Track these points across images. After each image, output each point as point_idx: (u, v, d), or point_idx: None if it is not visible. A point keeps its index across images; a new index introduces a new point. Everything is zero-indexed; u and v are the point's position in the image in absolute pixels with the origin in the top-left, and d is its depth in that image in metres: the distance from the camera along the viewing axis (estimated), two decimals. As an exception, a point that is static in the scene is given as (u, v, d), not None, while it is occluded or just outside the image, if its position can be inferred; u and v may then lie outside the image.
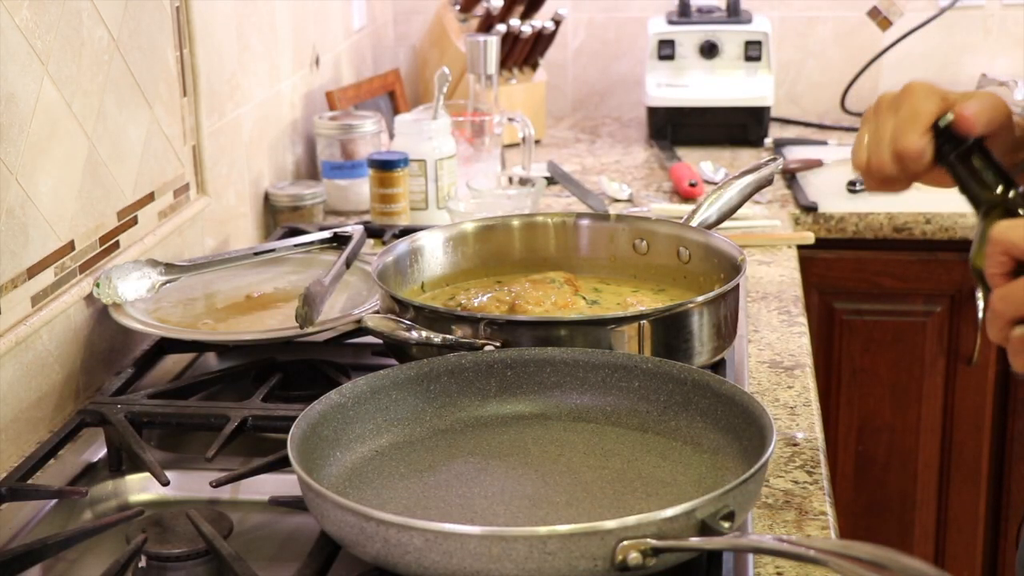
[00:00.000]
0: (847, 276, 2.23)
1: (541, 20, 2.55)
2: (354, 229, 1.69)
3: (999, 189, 0.99)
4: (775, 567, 1.05)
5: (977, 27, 2.79)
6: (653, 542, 0.91)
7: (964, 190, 1.02)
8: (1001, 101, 1.05)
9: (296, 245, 1.67)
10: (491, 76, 2.19)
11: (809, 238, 2.03)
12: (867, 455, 2.29)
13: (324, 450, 1.11)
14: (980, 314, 2.18)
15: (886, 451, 2.29)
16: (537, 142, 2.59)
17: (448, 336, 1.26)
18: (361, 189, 2.15)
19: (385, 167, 1.96)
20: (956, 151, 1.02)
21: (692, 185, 2.22)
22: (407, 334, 1.27)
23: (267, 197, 2.05)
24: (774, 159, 1.53)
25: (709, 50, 2.61)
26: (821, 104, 2.86)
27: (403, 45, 2.82)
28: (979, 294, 2.18)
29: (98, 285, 1.44)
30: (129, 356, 1.51)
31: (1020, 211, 0.97)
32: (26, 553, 1.05)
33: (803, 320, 1.67)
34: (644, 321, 1.26)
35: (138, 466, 1.23)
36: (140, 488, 1.24)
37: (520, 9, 2.56)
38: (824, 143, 2.61)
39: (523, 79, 2.62)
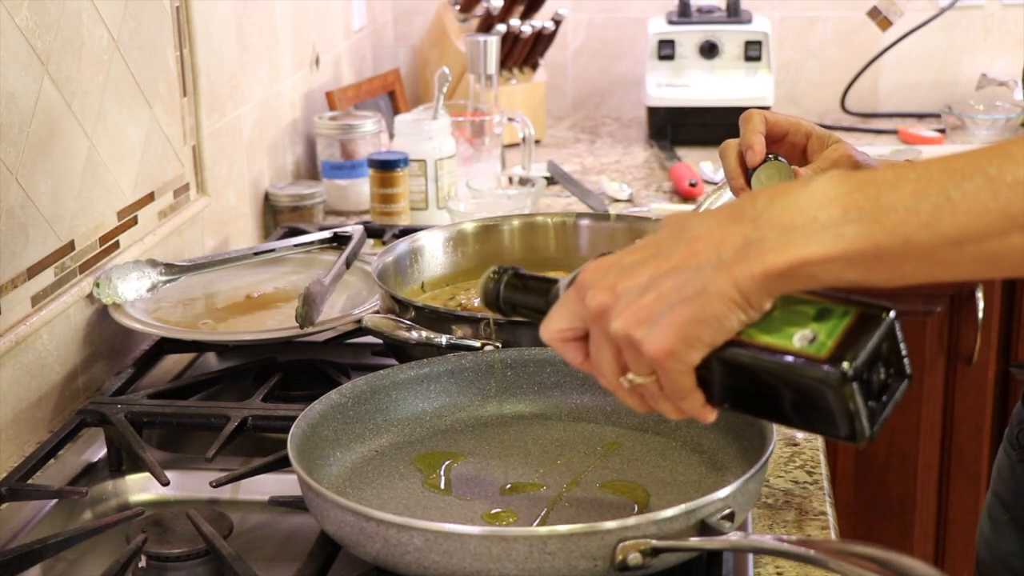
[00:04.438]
0: (847, 276, 2.22)
1: (541, 20, 2.55)
2: (354, 229, 1.69)
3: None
4: (775, 567, 1.05)
5: (977, 27, 2.78)
6: (653, 542, 0.91)
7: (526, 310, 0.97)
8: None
9: (296, 245, 1.68)
10: (491, 76, 2.19)
11: (809, 238, 2.02)
12: (867, 455, 2.29)
13: (324, 450, 1.11)
14: (980, 314, 2.18)
15: (886, 451, 2.29)
16: (537, 142, 2.58)
17: (448, 336, 1.26)
18: (361, 189, 2.15)
19: (385, 167, 1.96)
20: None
21: (692, 185, 2.22)
22: (407, 334, 1.27)
23: (267, 197, 2.04)
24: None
25: (709, 50, 2.60)
26: (821, 104, 2.86)
27: (403, 45, 2.82)
28: (979, 294, 2.18)
29: (98, 285, 1.44)
30: (129, 356, 1.51)
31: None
32: (26, 553, 1.05)
33: (803, 320, 1.66)
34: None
35: (138, 466, 1.23)
36: (140, 488, 1.24)
37: (520, 9, 2.55)
38: (824, 143, 2.60)
39: (523, 79, 2.62)
